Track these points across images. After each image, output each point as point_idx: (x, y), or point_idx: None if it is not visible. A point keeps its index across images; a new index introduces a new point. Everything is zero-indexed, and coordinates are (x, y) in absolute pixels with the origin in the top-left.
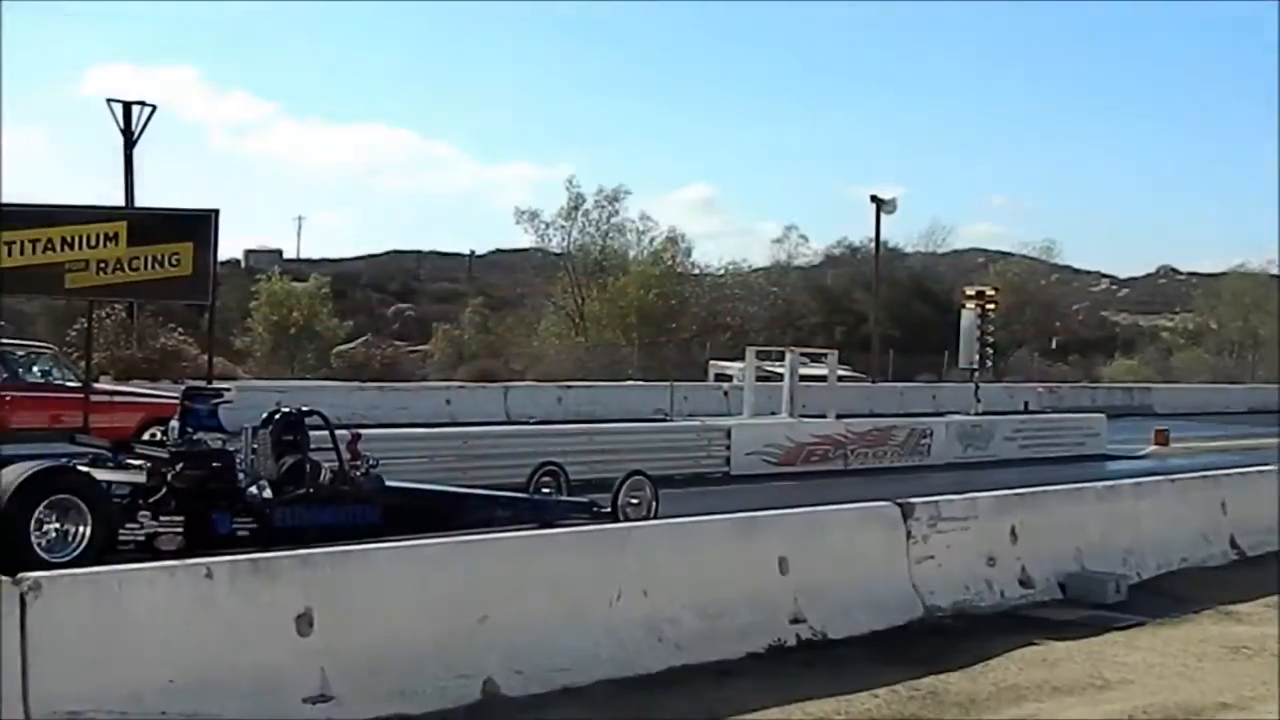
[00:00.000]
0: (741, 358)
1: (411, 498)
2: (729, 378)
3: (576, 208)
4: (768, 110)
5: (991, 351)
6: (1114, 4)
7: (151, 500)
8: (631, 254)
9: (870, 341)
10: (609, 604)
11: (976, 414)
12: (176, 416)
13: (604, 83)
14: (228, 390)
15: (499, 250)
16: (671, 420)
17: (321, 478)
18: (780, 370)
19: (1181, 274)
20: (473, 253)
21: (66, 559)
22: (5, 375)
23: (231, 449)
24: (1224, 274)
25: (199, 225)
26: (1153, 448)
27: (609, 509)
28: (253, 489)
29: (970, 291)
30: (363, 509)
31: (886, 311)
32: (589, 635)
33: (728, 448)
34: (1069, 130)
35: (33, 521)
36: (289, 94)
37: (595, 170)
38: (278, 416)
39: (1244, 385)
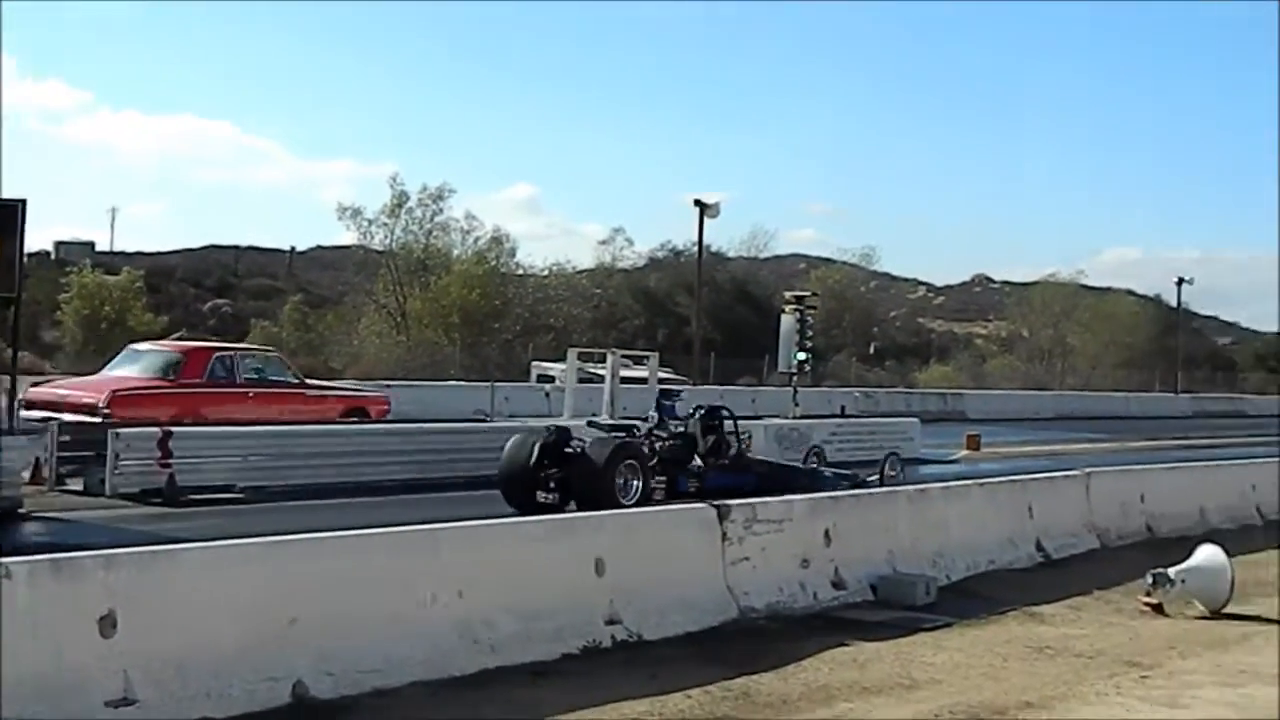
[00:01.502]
0: (564, 359)
1: (768, 468)
2: (551, 379)
3: (400, 205)
4: (593, 111)
5: (810, 356)
6: (934, 8)
7: (651, 465)
8: (455, 253)
9: (692, 344)
10: (423, 605)
11: (794, 417)
12: (654, 407)
13: (429, 80)
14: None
15: (320, 247)
16: (492, 421)
17: (729, 452)
18: (602, 372)
19: (996, 283)
20: (293, 249)
21: (631, 503)
22: (251, 376)
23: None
24: (1035, 283)
25: (4, 214)
26: (964, 452)
27: (877, 479)
28: (696, 460)
29: (790, 296)
30: (747, 476)
31: (709, 315)
32: (402, 637)
33: None
34: (890, 139)
35: (616, 477)
36: (105, 83)
37: (419, 168)
38: (704, 409)
39: (1053, 392)
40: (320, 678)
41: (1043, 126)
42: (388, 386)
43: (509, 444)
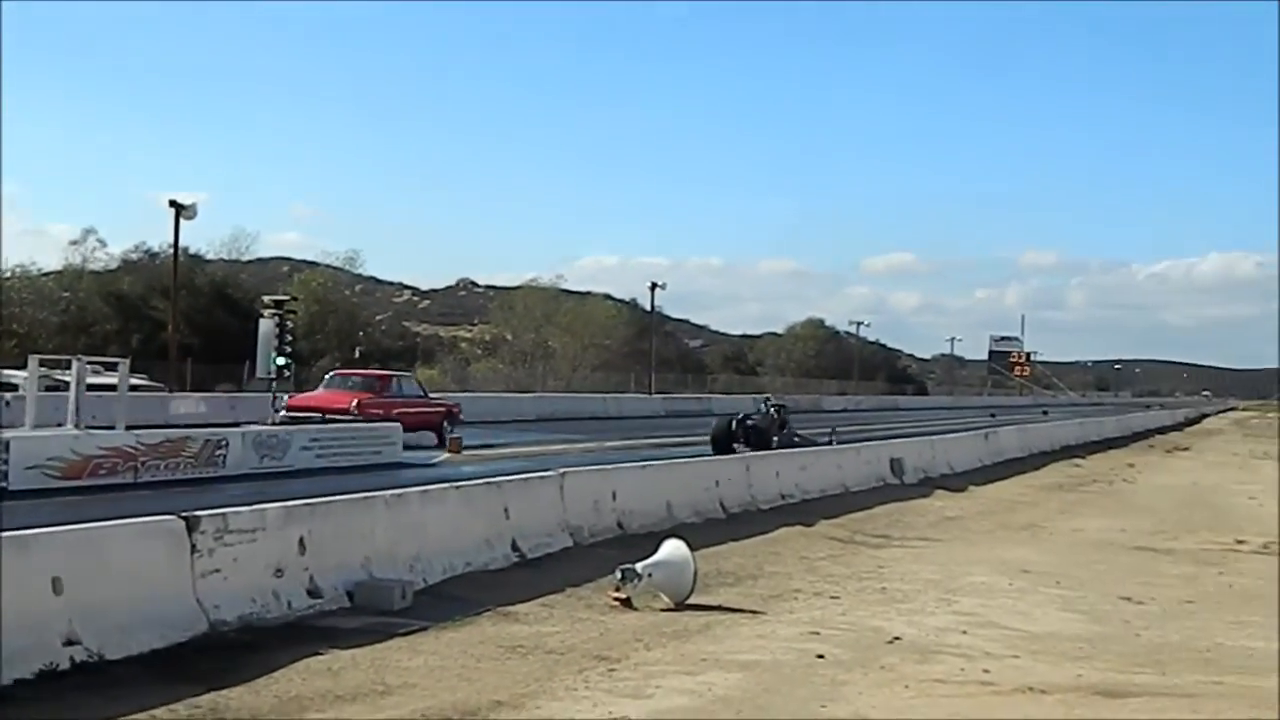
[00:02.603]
0: (26, 366)
1: (799, 437)
2: (14, 387)
3: None
4: (63, 104)
5: (292, 361)
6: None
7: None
8: None
9: (168, 350)
10: None
11: (274, 424)
12: (761, 405)
13: None
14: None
15: None
16: None
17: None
18: (68, 379)
19: (480, 287)
20: None
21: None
22: (390, 392)
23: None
24: (519, 287)
25: None
26: (446, 455)
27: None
28: (775, 436)
29: (269, 300)
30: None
31: (186, 319)
32: None
33: (5, 461)
34: (370, 141)
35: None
36: None
37: None
38: (776, 404)
39: (535, 394)
40: None
41: (527, 137)
42: None
43: None
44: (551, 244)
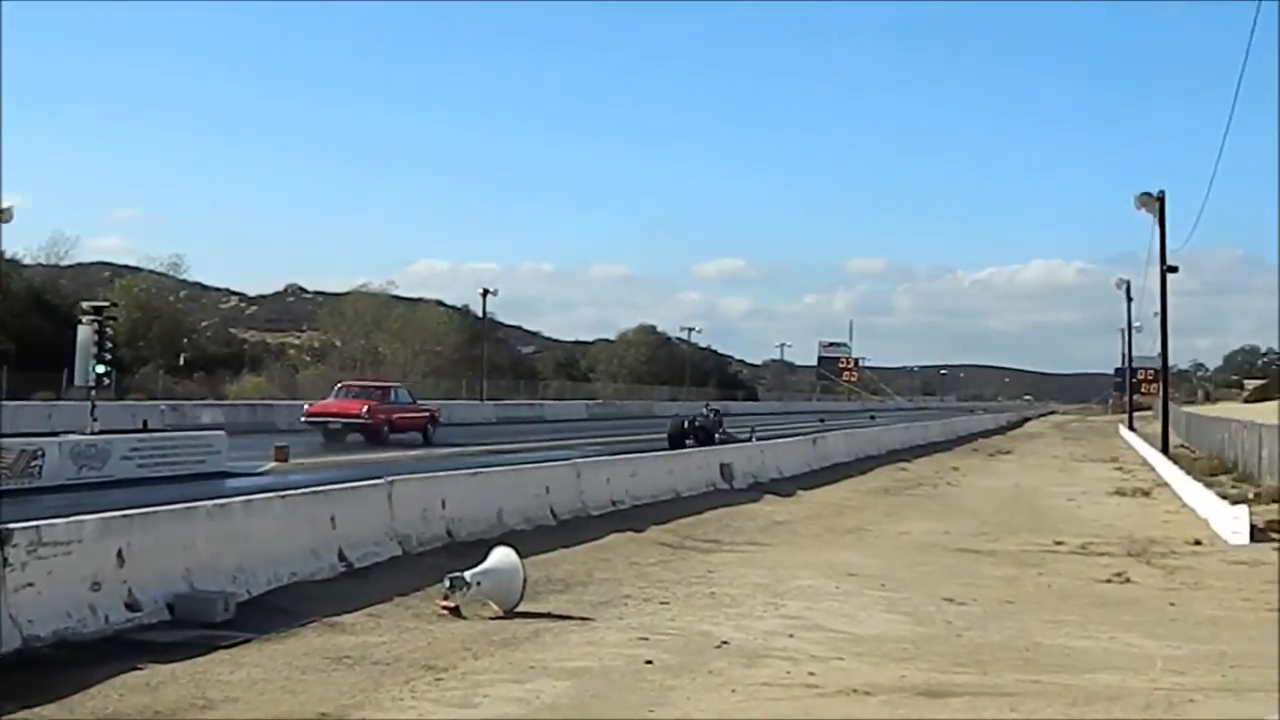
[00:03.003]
0: None
1: (729, 435)
2: None
3: None
4: None
5: (112, 368)
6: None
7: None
8: None
9: None
10: None
11: (93, 433)
12: (703, 411)
13: None
14: (715, 408)
15: None
16: None
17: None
18: None
19: (309, 293)
20: None
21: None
22: (390, 401)
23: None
24: (348, 293)
25: None
26: (273, 464)
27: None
28: (716, 434)
29: (88, 306)
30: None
31: (2, 326)
32: None
33: None
34: (196, 145)
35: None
36: None
37: None
38: (715, 408)
39: None
40: None
41: (356, 140)
42: None
43: None
44: (382, 249)
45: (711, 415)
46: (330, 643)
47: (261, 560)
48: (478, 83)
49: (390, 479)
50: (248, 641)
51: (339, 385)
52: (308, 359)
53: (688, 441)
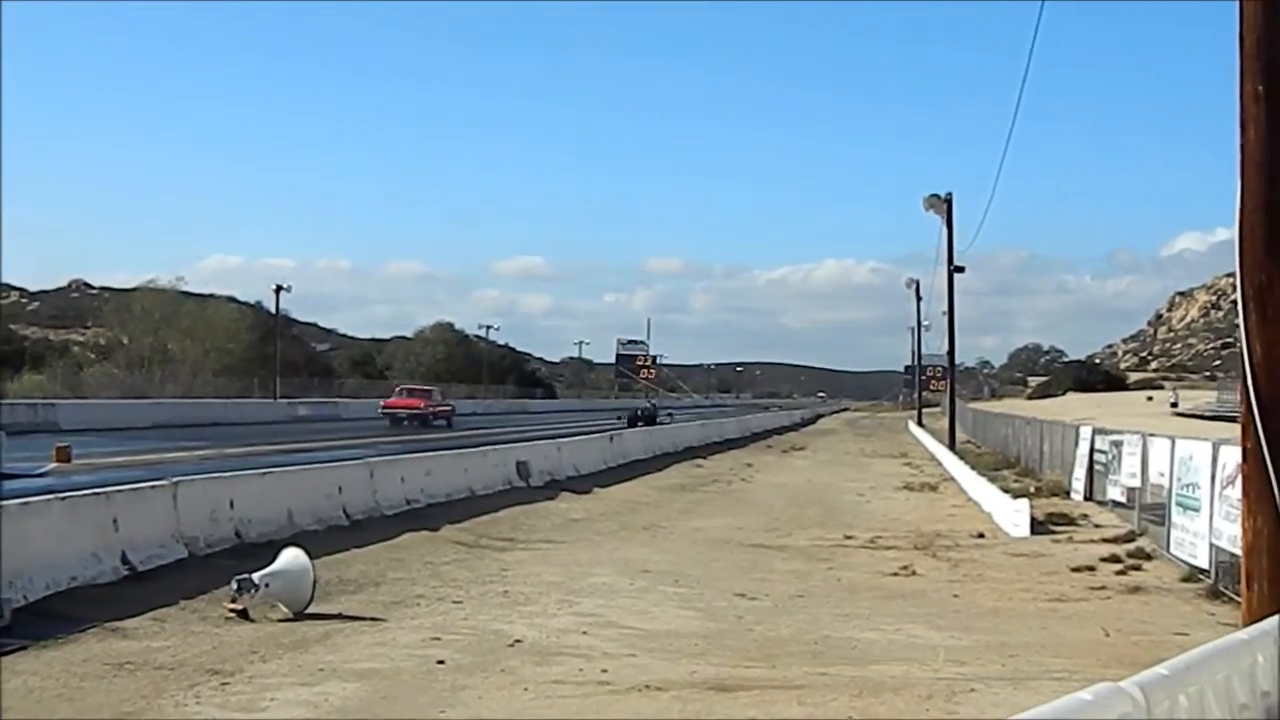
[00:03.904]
0: None
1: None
2: None
3: None
4: None
5: None
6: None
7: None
8: None
9: None
10: None
11: None
12: (645, 401)
13: None
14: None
15: None
16: None
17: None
18: None
19: (95, 288)
20: None
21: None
22: (432, 399)
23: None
24: (136, 289)
25: None
26: (55, 465)
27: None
28: (657, 419)
29: None
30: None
31: None
32: None
33: None
34: None
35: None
36: None
37: None
38: (654, 400)
39: (152, 400)
40: None
41: (143, 129)
42: None
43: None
44: (171, 244)
45: (653, 405)
46: (111, 648)
47: (40, 564)
48: (272, 72)
49: (175, 479)
50: (24, 648)
51: (399, 388)
52: (93, 356)
53: (639, 424)
